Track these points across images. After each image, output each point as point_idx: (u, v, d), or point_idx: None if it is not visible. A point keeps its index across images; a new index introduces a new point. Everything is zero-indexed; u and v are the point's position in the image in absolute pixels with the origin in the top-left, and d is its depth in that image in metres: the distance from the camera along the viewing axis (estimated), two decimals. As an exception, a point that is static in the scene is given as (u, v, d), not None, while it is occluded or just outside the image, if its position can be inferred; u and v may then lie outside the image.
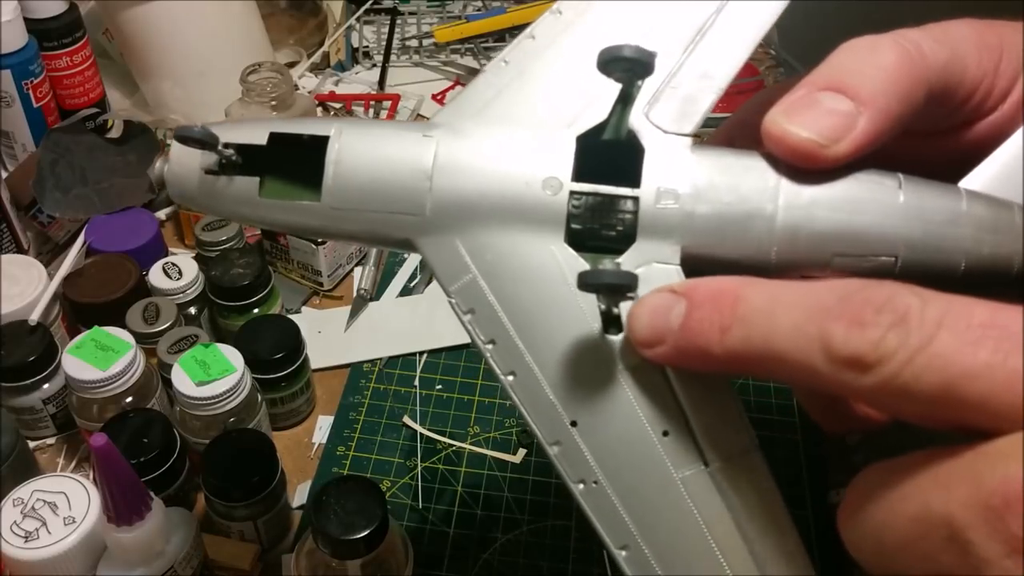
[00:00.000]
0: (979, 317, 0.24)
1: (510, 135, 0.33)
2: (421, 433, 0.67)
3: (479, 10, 1.11)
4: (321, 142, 0.33)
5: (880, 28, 0.33)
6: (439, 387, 0.71)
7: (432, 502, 0.63)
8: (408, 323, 0.75)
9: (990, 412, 0.23)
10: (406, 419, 0.68)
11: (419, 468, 0.65)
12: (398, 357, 0.73)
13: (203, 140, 0.33)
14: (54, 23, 0.84)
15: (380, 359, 0.73)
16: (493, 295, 0.32)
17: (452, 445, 0.66)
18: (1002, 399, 0.23)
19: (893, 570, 0.25)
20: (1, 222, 0.76)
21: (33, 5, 0.82)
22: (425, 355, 0.73)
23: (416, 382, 0.71)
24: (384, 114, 0.97)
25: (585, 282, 0.29)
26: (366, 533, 0.49)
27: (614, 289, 0.29)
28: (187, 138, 0.33)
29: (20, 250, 0.78)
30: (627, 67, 0.29)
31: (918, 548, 0.24)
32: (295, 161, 0.34)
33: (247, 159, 0.34)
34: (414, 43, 1.08)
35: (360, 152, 0.33)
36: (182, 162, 0.35)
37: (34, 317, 0.65)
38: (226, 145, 0.34)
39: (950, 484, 0.24)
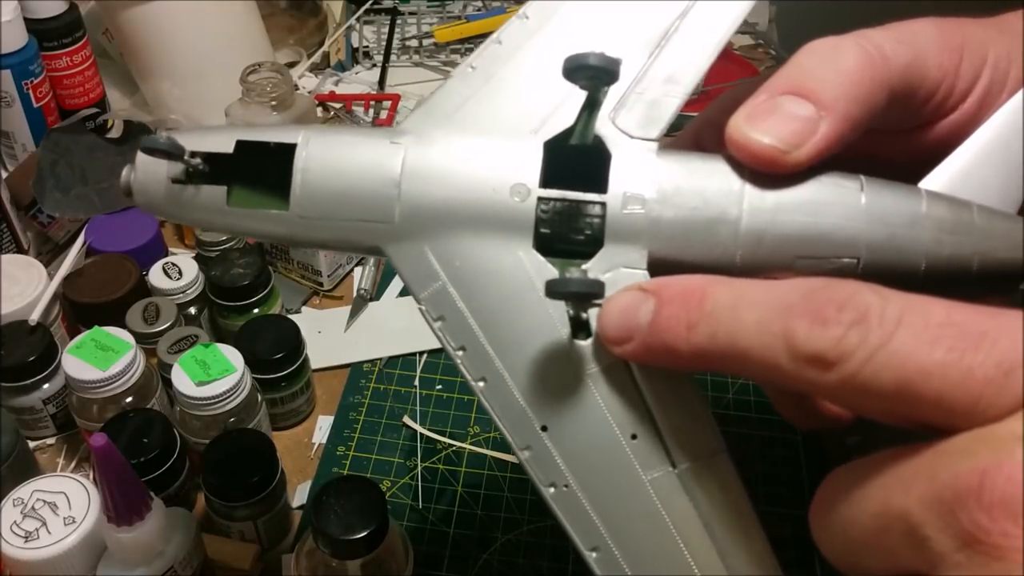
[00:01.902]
0: (936, 316, 0.25)
1: (477, 141, 0.33)
2: (421, 433, 0.67)
3: (479, 10, 1.11)
4: (289, 150, 0.33)
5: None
6: (439, 387, 0.71)
7: (432, 502, 0.63)
8: (408, 323, 0.75)
9: (945, 409, 0.24)
10: (406, 419, 0.68)
11: (419, 468, 0.65)
12: (398, 357, 0.73)
13: (168, 151, 0.33)
14: (54, 23, 0.83)
15: (380, 359, 0.73)
16: (463, 302, 0.33)
17: (452, 445, 0.66)
18: (956, 397, 0.24)
19: (859, 567, 0.26)
20: (1, 222, 0.76)
21: (33, 5, 0.82)
22: (425, 355, 0.73)
23: (416, 382, 0.71)
24: (384, 114, 0.97)
25: (552, 290, 0.29)
26: (366, 533, 0.49)
27: (581, 297, 0.29)
28: (153, 149, 0.33)
29: (20, 250, 0.78)
30: (592, 75, 0.29)
31: (880, 544, 0.25)
32: (263, 169, 0.34)
33: (214, 168, 0.34)
34: (414, 43, 1.08)
35: (328, 160, 0.33)
36: (149, 171, 0.34)
37: (34, 317, 0.65)
38: (193, 154, 0.34)
39: (909, 481, 0.24)
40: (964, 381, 0.24)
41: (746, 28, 1.06)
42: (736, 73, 0.98)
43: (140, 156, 0.34)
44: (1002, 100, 0.34)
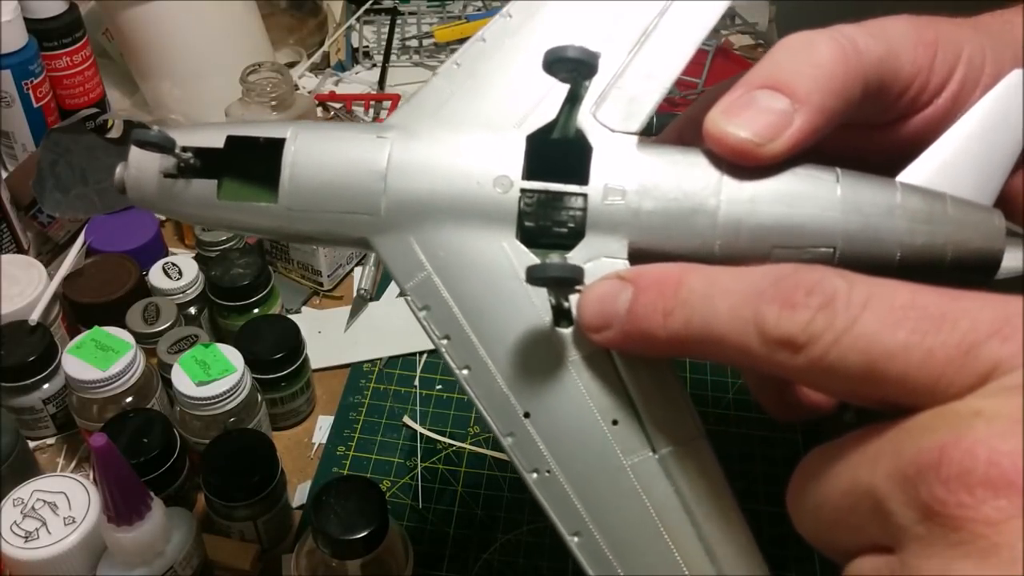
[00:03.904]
0: (901, 299, 0.25)
1: (462, 136, 0.34)
2: (421, 433, 0.67)
3: (479, 10, 1.11)
4: (278, 144, 0.34)
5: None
6: (439, 387, 0.71)
7: (432, 502, 0.63)
8: (408, 323, 0.74)
9: (909, 389, 0.25)
10: (406, 419, 0.68)
11: (419, 468, 0.65)
12: (398, 357, 0.73)
13: (160, 144, 0.34)
14: (54, 23, 0.84)
15: (380, 359, 0.73)
16: (447, 291, 0.33)
17: (452, 445, 0.66)
18: (918, 377, 0.25)
19: (831, 545, 0.27)
20: (1, 222, 0.76)
21: (33, 5, 0.82)
22: (425, 355, 0.73)
23: (416, 382, 0.71)
24: (384, 114, 0.97)
25: (532, 276, 0.29)
26: (366, 533, 0.49)
27: (561, 282, 0.30)
28: (144, 142, 0.34)
29: (20, 250, 0.78)
30: (572, 68, 0.29)
31: (849, 521, 0.26)
32: (252, 164, 0.35)
33: (205, 162, 0.35)
34: (414, 43, 1.08)
35: (316, 154, 0.34)
36: (141, 166, 0.35)
37: (34, 317, 0.65)
38: (184, 148, 0.34)
39: (875, 459, 0.25)
40: (926, 361, 0.24)
41: (746, 28, 1.06)
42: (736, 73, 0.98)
43: (133, 151, 0.35)
44: (976, 96, 0.35)
